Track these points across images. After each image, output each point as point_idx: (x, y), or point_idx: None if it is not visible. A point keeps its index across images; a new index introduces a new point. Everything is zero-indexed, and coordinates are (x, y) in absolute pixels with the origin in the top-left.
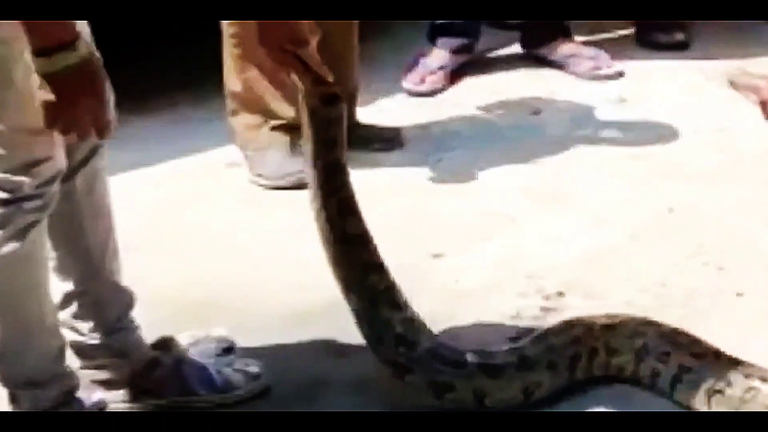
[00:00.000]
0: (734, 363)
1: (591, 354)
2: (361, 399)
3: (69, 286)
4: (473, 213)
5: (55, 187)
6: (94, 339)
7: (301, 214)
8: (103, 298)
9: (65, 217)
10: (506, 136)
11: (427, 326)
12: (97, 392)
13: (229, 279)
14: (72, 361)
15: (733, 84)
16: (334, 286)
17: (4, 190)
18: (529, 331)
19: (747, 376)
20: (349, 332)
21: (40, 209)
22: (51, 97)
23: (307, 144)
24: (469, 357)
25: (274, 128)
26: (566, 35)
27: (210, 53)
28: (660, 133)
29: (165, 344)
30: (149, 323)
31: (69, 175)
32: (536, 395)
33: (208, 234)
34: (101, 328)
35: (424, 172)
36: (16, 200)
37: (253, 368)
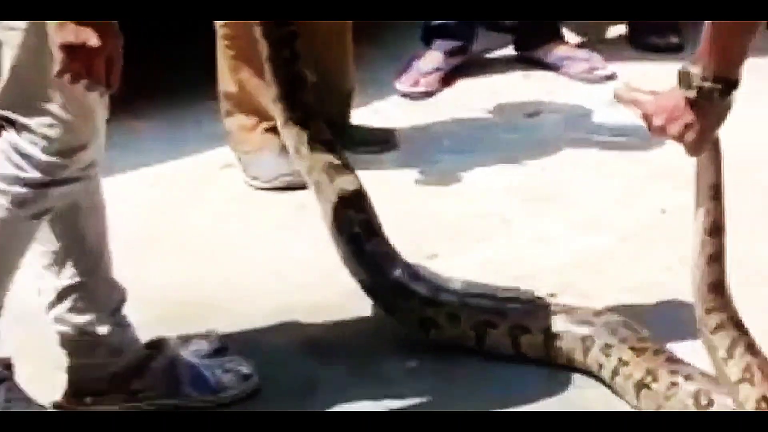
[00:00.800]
0: (669, 360)
1: (513, 331)
2: (354, 399)
3: (65, 281)
4: (467, 214)
5: (91, 173)
6: (90, 335)
7: (295, 214)
8: (99, 294)
9: (65, 211)
10: (501, 137)
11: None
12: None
13: (223, 280)
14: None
15: (617, 97)
16: (329, 287)
17: (43, 172)
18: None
19: (672, 373)
20: (343, 333)
21: (65, 195)
22: (69, 39)
23: (266, 66)
24: (396, 273)
25: (267, 130)
26: (560, 37)
27: (204, 55)
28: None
29: (158, 344)
30: (143, 323)
31: None
32: (435, 334)
33: (202, 235)
34: (97, 324)
35: (418, 174)
36: (51, 183)
37: (244, 368)
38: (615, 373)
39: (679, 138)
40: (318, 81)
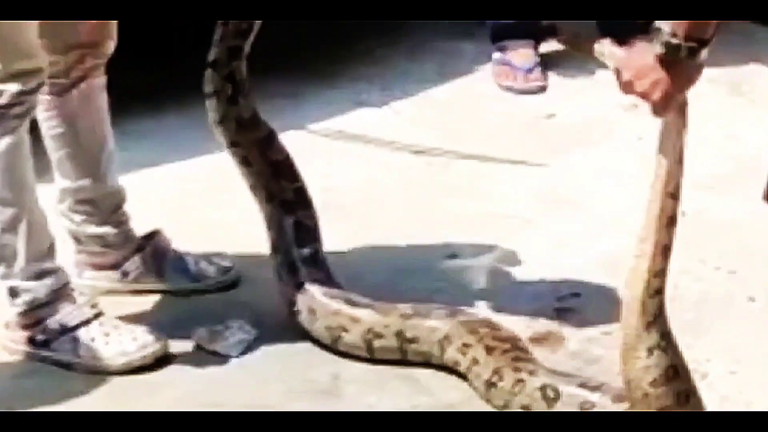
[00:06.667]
0: (515, 357)
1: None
2: (380, 401)
3: (67, 183)
4: (488, 215)
5: (36, 98)
6: (86, 229)
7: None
8: (95, 195)
9: (65, 122)
10: (520, 139)
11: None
12: (88, 272)
13: (245, 277)
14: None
15: (597, 52)
16: (356, 286)
17: None
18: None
19: (515, 370)
20: None
21: (22, 115)
22: None
23: None
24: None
25: None
26: (555, 34)
27: None
28: None
29: (152, 235)
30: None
31: (67, 89)
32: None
33: (223, 232)
34: (93, 221)
35: (439, 173)
36: (4, 107)
37: (226, 262)
38: (469, 371)
39: (646, 95)
40: None
